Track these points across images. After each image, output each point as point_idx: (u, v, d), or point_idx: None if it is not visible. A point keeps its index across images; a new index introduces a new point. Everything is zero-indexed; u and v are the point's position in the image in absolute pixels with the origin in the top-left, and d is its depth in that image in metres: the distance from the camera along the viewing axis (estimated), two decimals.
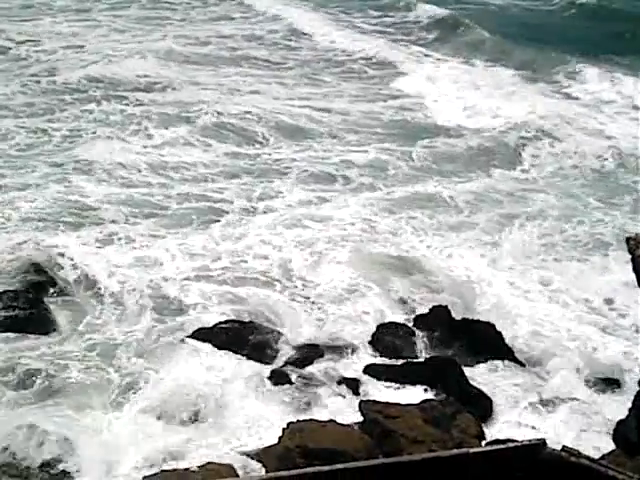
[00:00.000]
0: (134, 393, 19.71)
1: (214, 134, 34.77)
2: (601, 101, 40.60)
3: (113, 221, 27.41)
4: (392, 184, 31.19)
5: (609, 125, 37.49)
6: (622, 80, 42.49)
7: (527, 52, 47.31)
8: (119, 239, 26.33)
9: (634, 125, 36.75)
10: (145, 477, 16.86)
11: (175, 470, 16.92)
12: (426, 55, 48.10)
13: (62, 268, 24.21)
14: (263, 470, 17.00)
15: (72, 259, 24.62)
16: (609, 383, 20.91)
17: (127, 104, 37.46)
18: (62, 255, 24.70)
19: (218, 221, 27.84)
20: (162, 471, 16.93)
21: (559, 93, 42.20)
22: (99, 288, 23.67)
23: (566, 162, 33.70)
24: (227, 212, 28.42)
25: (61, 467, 17.37)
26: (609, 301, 24.12)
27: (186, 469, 16.88)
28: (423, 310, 23.14)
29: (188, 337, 21.63)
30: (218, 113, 36.27)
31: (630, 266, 15.97)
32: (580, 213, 29.24)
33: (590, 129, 36.94)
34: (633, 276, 16.00)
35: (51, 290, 23.50)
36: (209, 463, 17.06)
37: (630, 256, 16.54)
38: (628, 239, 16.86)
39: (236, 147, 33.91)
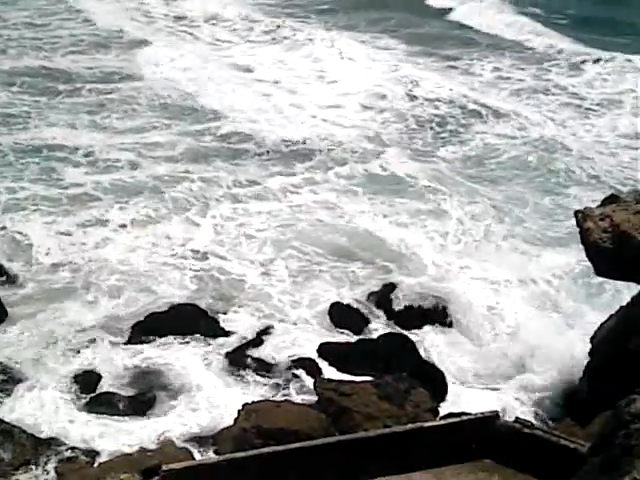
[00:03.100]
0: (91, 380, 19.53)
1: None
2: None
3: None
4: None
5: None
6: None
7: None
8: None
9: None
10: (103, 462, 16.78)
11: (132, 454, 16.85)
12: None
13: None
14: (219, 452, 17.01)
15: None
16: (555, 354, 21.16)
17: None
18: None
19: None
20: (121, 454, 16.87)
21: None
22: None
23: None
24: None
25: None
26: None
27: (142, 450, 16.84)
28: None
29: (141, 322, 21.51)
30: None
31: None
32: None
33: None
34: None
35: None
36: (165, 446, 17.03)
37: (578, 229, 16.85)
38: (576, 212, 17.15)
39: None
